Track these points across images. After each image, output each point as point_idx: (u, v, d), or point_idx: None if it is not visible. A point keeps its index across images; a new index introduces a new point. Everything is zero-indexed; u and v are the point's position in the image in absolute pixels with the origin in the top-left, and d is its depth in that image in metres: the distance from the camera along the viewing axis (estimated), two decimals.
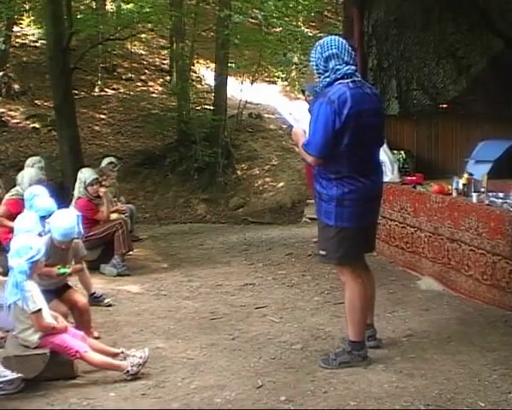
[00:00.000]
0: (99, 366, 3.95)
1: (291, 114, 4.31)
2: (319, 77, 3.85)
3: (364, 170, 3.83)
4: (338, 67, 3.76)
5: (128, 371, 3.85)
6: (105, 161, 8.22)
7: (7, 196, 6.44)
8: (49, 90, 13.04)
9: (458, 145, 7.57)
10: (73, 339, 3.93)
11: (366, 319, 4.03)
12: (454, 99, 7.64)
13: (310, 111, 7.31)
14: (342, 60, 3.78)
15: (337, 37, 3.90)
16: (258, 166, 13.00)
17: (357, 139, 3.72)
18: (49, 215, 4.64)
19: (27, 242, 3.93)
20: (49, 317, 3.92)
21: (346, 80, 3.75)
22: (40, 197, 5.18)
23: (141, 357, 3.90)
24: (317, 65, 3.84)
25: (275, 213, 11.20)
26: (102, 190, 6.90)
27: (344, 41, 3.85)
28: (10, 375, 3.62)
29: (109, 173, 7.80)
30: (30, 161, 7.23)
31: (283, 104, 4.73)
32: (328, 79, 3.79)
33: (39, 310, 3.81)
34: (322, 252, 4.00)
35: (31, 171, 6.62)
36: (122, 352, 4.03)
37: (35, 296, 3.82)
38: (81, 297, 4.66)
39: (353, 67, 3.82)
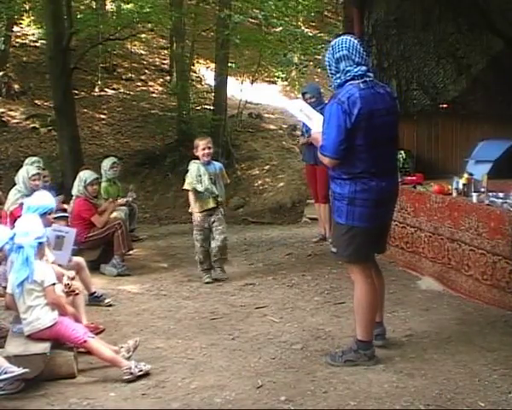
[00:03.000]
0: (102, 357, 3.95)
1: (301, 110, 4.28)
2: (332, 77, 3.94)
3: (378, 171, 3.82)
4: (348, 68, 3.82)
5: (130, 371, 3.82)
6: (107, 162, 8.19)
7: (11, 200, 6.48)
8: (49, 90, 13.05)
9: (458, 145, 7.56)
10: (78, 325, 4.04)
11: (374, 319, 4.04)
12: (454, 99, 7.62)
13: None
14: (353, 61, 3.83)
15: (349, 37, 3.93)
16: (258, 166, 13.00)
17: (370, 139, 3.75)
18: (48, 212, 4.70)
19: (35, 225, 4.11)
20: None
21: (357, 81, 3.80)
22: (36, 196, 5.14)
23: (141, 369, 3.90)
24: (329, 65, 3.92)
25: (275, 213, 11.19)
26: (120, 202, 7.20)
27: (355, 41, 3.89)
28: (17, 370, 3.63)
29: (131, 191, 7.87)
30: (27, 160, 7.31)
31: (291, 103, 4.55)
32: (338, 81, 3.87)
33: (54, 284, 4.01)
34: (333, 249, 4.05)
35: (22, 170, 6.73)
36: (122, 347, 4.08)
37: (49, 272, 4.02)
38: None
39: (364, 68, 3.86)
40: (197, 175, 6.19)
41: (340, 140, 3.72)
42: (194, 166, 6.25)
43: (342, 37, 3.96)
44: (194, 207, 6.27)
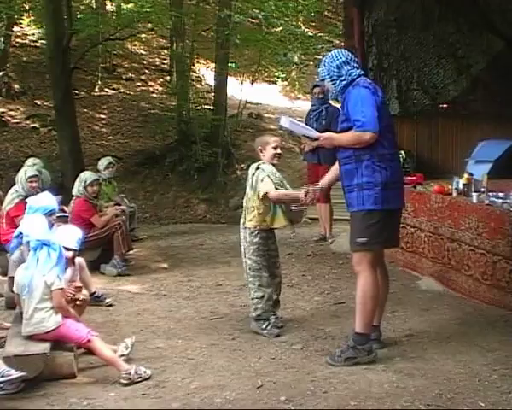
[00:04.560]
0: (103, 357, 3.95)
1: (294, 123, 4.25)
2: (333, 83, 4.07)
3: (397, 153, 4.18)
4: (351, 70, 4.04)
5: (129, 376, 3.80)
6: (103, 162, 8.19)
7: (7, 200, 6.48)
8: (49, 90, 13.04)
9: (458, 145, 7.58)
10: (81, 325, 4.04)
11: (375, 312, 4.06)
12: (454, 99, 7.65)
13: (314, 110, 7.37)
14: (352, 66, 4.06)
15: (341, 50, 4.23)
16: None
17: (390, 122, 4.05)
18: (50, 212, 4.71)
19: (44, 226, 4.18)
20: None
21: (364, 78, 4.06)
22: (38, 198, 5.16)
23: (140, 376, 3.89)
24: (329, 74, 4.07)
25: None
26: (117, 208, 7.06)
27: (348, 52, 4.16)
28: (15, 373, 3.62)
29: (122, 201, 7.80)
30: (27, 162, 7.32)
31: (283, 119, 4.14)
32: (344, 82, 4.03)
33: (62, 288, 4.01)
34: (362, 240, 3.94)
35: (21, 170, 6.74)
36: (119, 345, 4.09)
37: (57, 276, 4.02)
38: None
39: (362, 72, 4.13)
40: (280, 179, 4.64)
41: (377, 116, 3.89)
42: (269, 168, 4.60)
43: (335, 50, 4.18)
44: (264, 221, 4.60)
